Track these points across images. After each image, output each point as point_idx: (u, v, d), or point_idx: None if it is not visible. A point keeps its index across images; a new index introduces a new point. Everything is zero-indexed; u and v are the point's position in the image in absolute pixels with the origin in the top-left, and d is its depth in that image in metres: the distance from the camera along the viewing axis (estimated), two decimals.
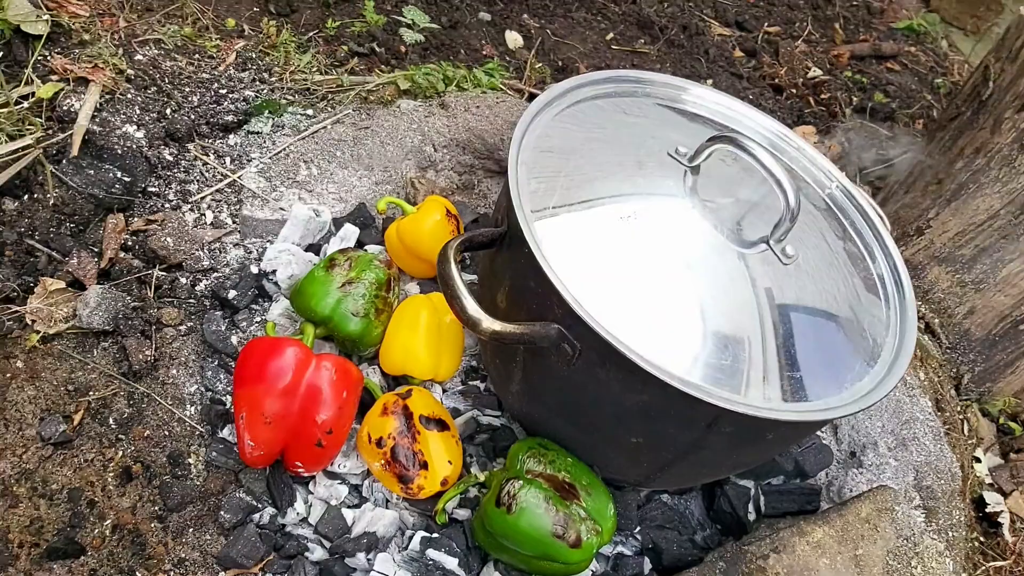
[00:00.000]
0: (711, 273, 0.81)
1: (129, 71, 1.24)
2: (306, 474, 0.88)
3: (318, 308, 0.92)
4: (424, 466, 0.85)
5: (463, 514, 0.89)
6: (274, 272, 1.03)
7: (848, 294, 0.86)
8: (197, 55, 1.32)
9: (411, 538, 0.86)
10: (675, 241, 0.81)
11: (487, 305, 0.89)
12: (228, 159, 1.18)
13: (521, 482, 0.79)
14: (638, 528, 0.92)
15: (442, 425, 0.89)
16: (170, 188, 1.14)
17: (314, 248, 1.09)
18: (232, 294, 1.02)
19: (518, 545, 0.79)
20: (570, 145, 0.86)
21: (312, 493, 0.90)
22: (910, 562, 1.02)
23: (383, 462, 0.85)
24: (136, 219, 1.10)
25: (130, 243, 1.08)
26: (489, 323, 0.72)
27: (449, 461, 0.87)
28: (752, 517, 1.00)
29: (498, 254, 0.84)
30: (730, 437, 0.78)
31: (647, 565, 0.89)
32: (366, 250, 1.06)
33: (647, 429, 0.79)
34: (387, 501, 0.91)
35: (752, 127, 0.99)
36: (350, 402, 0.85)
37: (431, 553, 0.83)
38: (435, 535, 0.85)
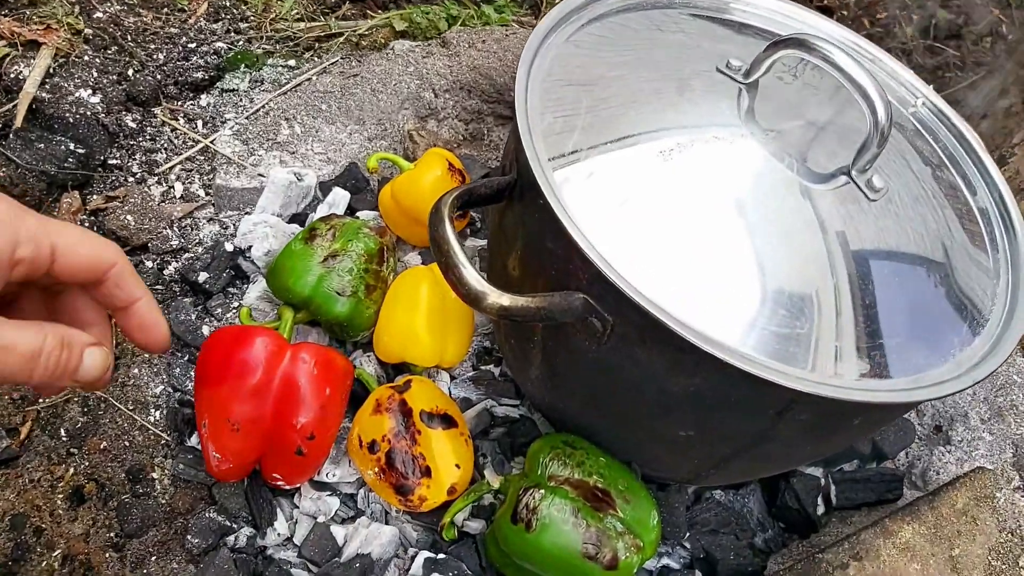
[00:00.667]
0: (774, 217, 0.64)
1: (87, 31, 1.10)
2: (287, 487, 0.74)
3: (296, 288, 0.77)
4: (427, 472, 0.71)
5: (476, 526, 0.74)
6: (249, 249, 0.88)
7: (944, 236, 0.69)
8: (165, 8, 1.17)
9: (414, 559, 0.71)
10: (728, 180, 0.64)
11: (497, 274, 0.73)
12: (200, 122, 1.03)
13: (543, 491, 0.64)
14: (687, 535, 0.76)
15: (448, 421, 0.74)
16: (133, 159, 1.00)
17: (299, 219, 0.94)
18: (203, 277, 0.88)
19: (541, 568, 0.64)
20: (592, 70, 0.69)
21: (297, 507, 0.76)
22: (1017, 560, 0.85)
23: (377, 470, 0.71)
24: (95, 197, 0.96)
25: (89, 224, 0.94)
26: (496, 297, 0.57)
27: (457, 465, 0.72)
28: (820, 510, 0.84)
29: (507, 209, 0.68)
30: (806, 426, 0.62)
31: None
32: (358, 217, 0.91)
33: (700, 420, 0.63)
34: (387, 513, 0.76)
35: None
36: (335, 399, 0.70)
37: None
38: (441, 556, 0.70)
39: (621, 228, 0.61)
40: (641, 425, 0.67)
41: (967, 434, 0.94)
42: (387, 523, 0.76)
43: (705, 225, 0.62)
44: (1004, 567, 0.83)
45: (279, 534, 0.74)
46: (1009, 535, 0.85)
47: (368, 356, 0.83)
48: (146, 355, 0.83)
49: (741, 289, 0.60)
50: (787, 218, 0.64)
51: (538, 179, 0.60)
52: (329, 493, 0.76)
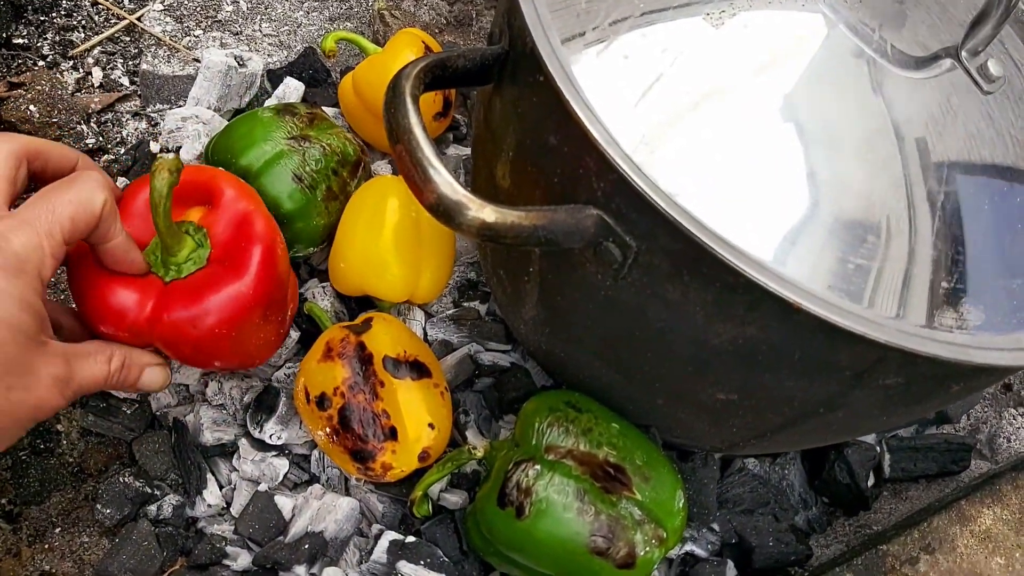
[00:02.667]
0: (850, 114, 0.47)
1: None
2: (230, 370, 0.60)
3: (246, 155, 0.60)
4: (391, 434, 0.56)
5: (456, 500, 0.60)
6: (178, 150, 0.71)
7: None
8: None
9: (377, 539, 0.57)
10: (788, 61, 0.46)
11: (483, 187, 0.57)
12: None
13: (539, 467, 0.49)
14: (716, 514, 0.62)
15: (420, 370, 0.59)
16: (44, 38, 0.81)
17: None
18: (122, 183, 0.71)
19: (535, 561, 0.50)
20: None
21: (236, 471, 0.61)
22: None
23: (328, 430, 0.56)
24: None
25: None
26: (476, 210, 0.40)
27: (431, 424, 0.57)
28: (870, 482, 0.70)
29: (496, 94, 0.51)
30: (889, 391, 0.47)
31: (731, 571, 0.60)
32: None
33: (747, 381, 0.48)
34: (346, 480, 0.62)
35: None
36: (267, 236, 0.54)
37: (404, 568, 0.54)
38: (411, 538, 0.56)
39: (651, 118, 0.44)
40: (667, 384, 0.51)
41: None
42: (347, 492, 0.61)
43: (761, 118, 0.45)
44: None
45: (210, 504, 0.60)
46: None
47: (324, 287, 0.67)
48: (60, 285, 0.67)
49: (806, 207, 0.44)
50: (868, 115, 0.47)
51: (538, 45, 0.43)
52: (275, 454, 0.62)
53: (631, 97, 0.44)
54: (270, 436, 0.60)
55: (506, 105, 0.49)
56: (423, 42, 0.70)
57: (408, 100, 0.43)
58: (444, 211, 0.41)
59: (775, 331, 0.43)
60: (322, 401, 0.56)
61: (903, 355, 0.41)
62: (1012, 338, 0.44)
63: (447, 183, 0.41)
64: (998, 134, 0.50)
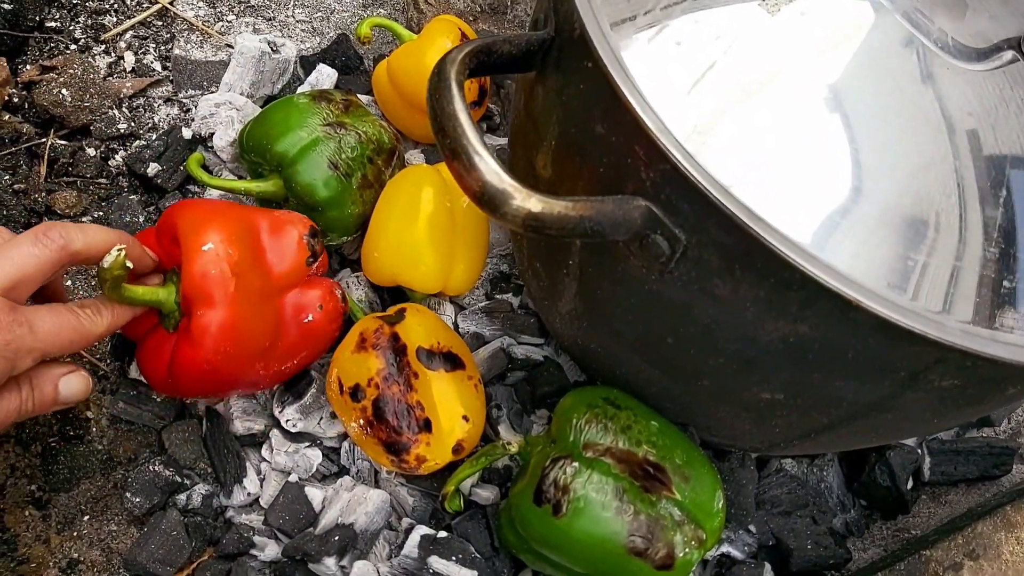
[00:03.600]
0: (902, 106, 0.45)
1: None
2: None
3: (282, 142, 0.60)
4: (425, 426, 0.55)
5: (487, 495, 0.59)
6: (211, 137, 0.70)
7: None
8: None
9: (408, 533, 0.56)
10: (843, 50, 0.45)
11: (521, 174, 0.55)
12: None
13: (577, 464, 0.48)
14: (754, 515, 0.60)
15: (454, 361, 0.58)
16: (76, 22, 0.81)
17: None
18: (155, 169, 0.70)
19: (571, 560, 0.49)
20: None
21: (265, 461, 0.61)
22: None
23: (363, 422, 0.55)
24: (28, 66, 0.78)
25: (18, 100, 0.76)
26: (522, 199, 0.39)
27: (465, 416, 0.56)
28: (909, 484, 0.68)
29: (538, 82, 0.49)
30: (943, 393, 0.45)
31: (768, 573, 0.59)
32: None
33: (795, 380, 0.46)
34: (376, 473, 0.61)
35: None
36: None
37: (435, 563, 0.53)
38: (442, 534, 0.55)
39: (703, 107, 0.42)
40: (710, 382, 0.50)
41: None
42: (376, 485, 0.61)
43: (814, 109, 0.44)
44: None
45: (249, 493, 0.59)
46: None
47: (358, 277, 0.66)
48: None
49: (861, 201, 0.42)
50: (923, 108, 0.45)
51: (588, 29, 0.41)
52: (308, 444, 0.61)
53: (683, 85, 0.42)
54: (286, 421, 0.59)
55: (550, 93, 0.48)
56: (459, 28, 0.69)
57: (453, 85, 0.41)
58: (488, 199, 0.40)
59: (829, 329, 0.42)
60: (356, 392, 0.55)
61: (963, 356, 0.39)
62: None
63: (493, 171, 0.39)
64: None
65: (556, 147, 0.49)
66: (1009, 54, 0.48)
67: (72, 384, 0.48)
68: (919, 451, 0.67)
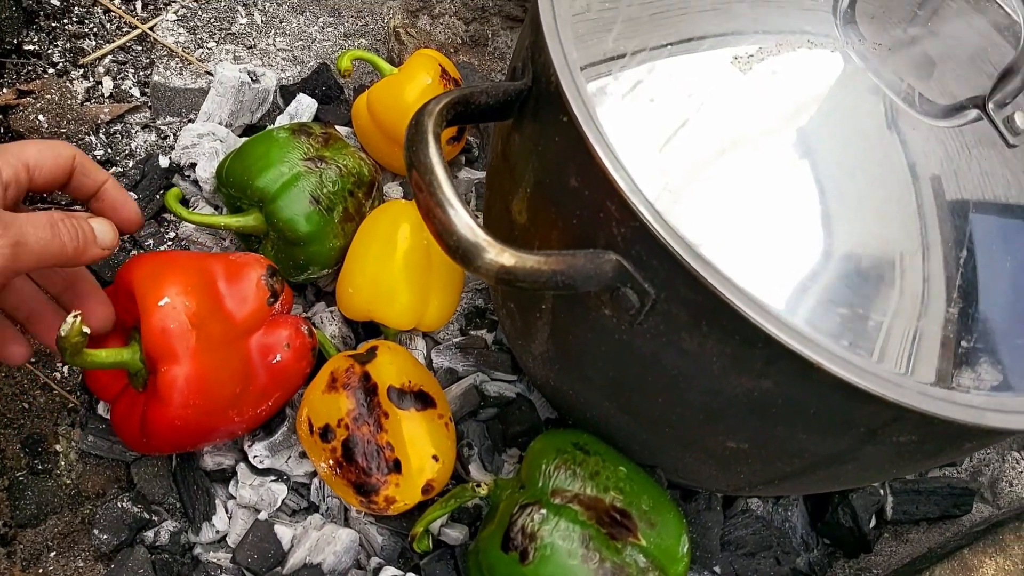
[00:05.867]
0: (870, 165, 0.46)
1: None
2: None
3: (263, 177, 0.60)
4: (395, 467, 0.55)
5: (456, 535, 0.59)
6: (192, 167, 0.70)
7: None
8: None
9: (377, 573, 0.56)
10: (814, 110, 0.46)
11: (496, 220, 0.56)
12: (139, 3, 0.83)
13: (544, 511, 0.49)
14: (719, 556, 0.61)
15: (424, 400, 0.58)
16: (55, 45, 0.80)
17: (255, 132, 0.75)
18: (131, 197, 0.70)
19: None
20: None
21: (233, 497, 0.60)
22: None
23: (332, 463, 0.55)
24: (5, 89, 0.77)
25: None
26: (495, 254, 0.40)
27: (435, 456, 0.56)
28: (872, 523, 0.70)
29: (516, 130, 0.50)
30: (902, 447, 0.46)
31: None
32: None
33: (759, 432, 0.47)
34: (346, 510, 0.61)
35: None
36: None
37: None
38: (410, 574, 0.55)
39: (675, 165, 0.43)
40: (676, 430, 0.51)
41: None
42: (346, 522, 0.61)
43: (785, 168, 0.45)
44: None
45: (218, 531, 0.59)
46: None
47: (332, 312, 0.66)
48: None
49: (827, 261, 0.43)
50: (891, 164, 0.47)
51: (563, 85, 0.42)
52: (274, 479, 0.61)
53: (656, 142, 0.43)
54: (254, 457, 0.59)
55: (526, 141, 0.49)
56: (439, 64, 0.69)
57: (430, 138, 0.42)
58: (462, 253, 0.40)
59: (791, 386, 0.43)
60: (326, 433, 0.55)
61: (920, 416, 0.40)
62: None
63: (466, 225, 0.40)
64: (1020, 187, 0.50)
65: (531, 195, 0.50)
66: (974, 112, 0.49)
67: (104, 226, 0.48)
68: (882, 491, 0.69)
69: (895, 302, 0.43)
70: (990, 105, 0.48)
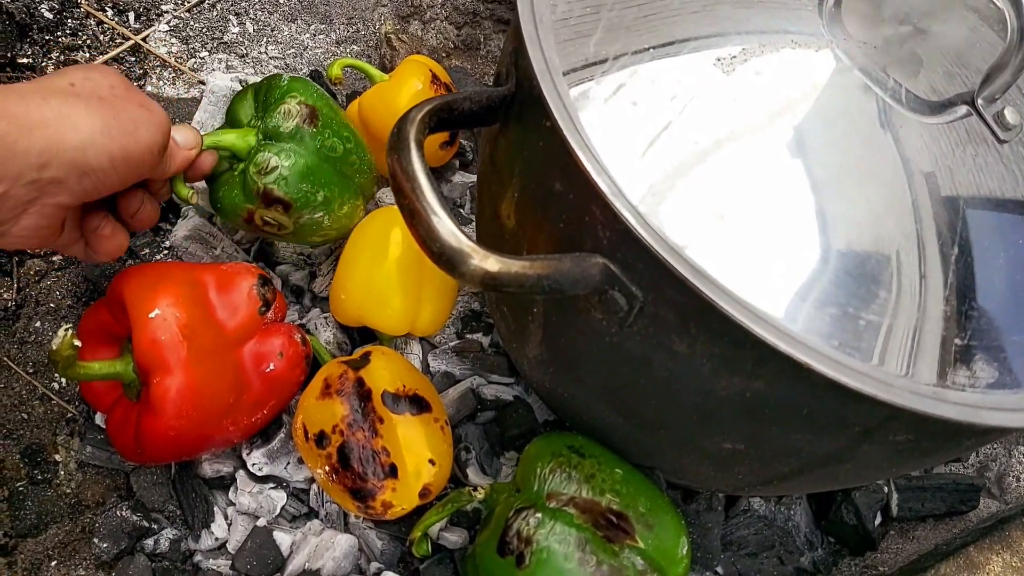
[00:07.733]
0: (859, 162, 0.46)
1: None
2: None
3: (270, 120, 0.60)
4: (391, 472, 0.55)
5: (455, 539, 0.59)
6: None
7: None
8: None
9: None
10: (799, 110, 0.46)
11: (488, 223, 0.56)
12: (131, 15, 0.83)
13: (540, 515, 0.48)
14: (720, 557, 0.61)
15: (420, 404, 0.58)
16: (49, 58, 0.81)
17: None
18: None
19: None
20: None
21: (232, 504, 0.60)
22: None
23: (328, 469, 0.55)
24: None
25: None
26: (479, 260, 0.40)
27: (431, 460, 0.56)
28: (877, 521, 0.69)
29: (501, 135, 0.50)
30: (898, 446, 0.46)
31: None
32: None
33: (754, 433, 0.47)
34: (345, 516, 0.61)
35: None
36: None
37: None
38: None
39: (659, 167, 0.43)
40: (671, 431, 0.50)
41: None
42: (346, 527, 0.61)
43: (770, 168, 0.44)
44: None
45: (217, 538, 0.59)
46: None
47: (326, 318, 0.66)
48: (50, 304, 0.67)
49: (815, 260, 0.43)
50: (881, 163, 0.46)
51: (544, 90, 0.42)
52: (273, 486, 0.61)
53: (639, 146, 0.43)
54: (252, 465, 0.59)
55: (512, 146, 0.49)
56: (430, 70, 0.69)
57: (412, 146, 0.42)
58: (447, 260, 0.40)
59: (783, 387, 0.42)
60: (321, 439, 0.55)
61: (914, 415, 0.40)
62: None
63: (450, 232, 0.40)
64: (1014, 182, 0.49)
65: (519, 199, 0.49)
66: (963, 108, 0.49)
67: (182, 129, 0.52)
68: (886, 488, 0.68)
69: (887, 301, 0.43)
70: (979, 101, 0.48)
